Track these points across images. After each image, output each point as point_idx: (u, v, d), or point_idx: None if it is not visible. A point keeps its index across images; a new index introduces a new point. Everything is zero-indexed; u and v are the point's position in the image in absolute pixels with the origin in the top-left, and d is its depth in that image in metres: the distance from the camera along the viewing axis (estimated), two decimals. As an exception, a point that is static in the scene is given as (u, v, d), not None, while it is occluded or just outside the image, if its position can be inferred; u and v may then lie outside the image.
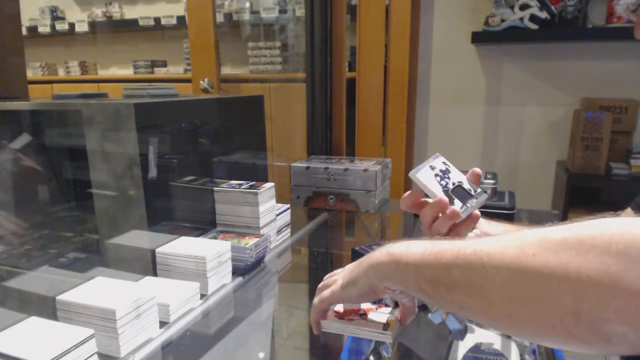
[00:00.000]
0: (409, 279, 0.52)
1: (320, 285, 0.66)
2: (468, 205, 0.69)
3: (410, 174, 0.71)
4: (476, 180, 0.72)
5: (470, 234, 0.73)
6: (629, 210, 0.74)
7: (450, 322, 0.75)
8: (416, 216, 0.75)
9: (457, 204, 0.68)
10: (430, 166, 0.72)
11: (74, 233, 1.09)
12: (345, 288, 0.60)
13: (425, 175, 0.71)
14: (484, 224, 0.76)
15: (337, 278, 0.64)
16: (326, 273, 0.68)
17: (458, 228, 0.70)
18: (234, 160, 1.20)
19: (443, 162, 0.73)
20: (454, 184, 0.71)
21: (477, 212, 0.70)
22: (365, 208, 1.46)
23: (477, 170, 0.72)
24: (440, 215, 0.70)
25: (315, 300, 0.64)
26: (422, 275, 0.50)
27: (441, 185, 0.70)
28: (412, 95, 2.43)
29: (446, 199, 0.68)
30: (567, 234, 0.40)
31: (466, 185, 0.72)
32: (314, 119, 1.79)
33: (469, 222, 0.70)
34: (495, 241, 0.44)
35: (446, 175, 0.72)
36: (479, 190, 0.72)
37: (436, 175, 0.71)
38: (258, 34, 3.27)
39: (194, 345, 0.75)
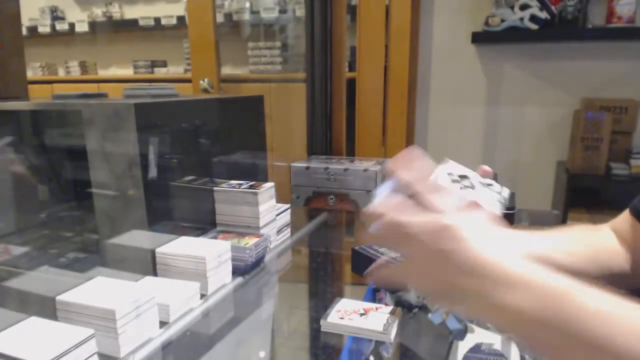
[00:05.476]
0: (531, 343, 0.44)
1: (377, 210, 0.52)
2: (499, 201, 0.63)
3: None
4: (489, 176, 0.66)
5: None
6: (627, 212, 0.73)
7: (450, 322, 0.75)
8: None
9: (488, 203, 0.61)
10: (448, 172, 0.64)
11: (74, 233, 1.09)
12: (425, 292, 0.51)
13: (446, 182, 0.62)
14: None
15: (408, 252, 0.49)
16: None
17: None
18: (234, 160, 1.20)
19: (457, 166, 0.65)
20: (473, 185, 0.64)
21: None
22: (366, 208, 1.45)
23: (485, 167, 0.66)
24: None
25: (381, 266, 0.54)
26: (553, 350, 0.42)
27: (464, 188, 0.63)
28: (412, 95, 2.43)
29: (478, 201, 0.59)
30: None
31: (485, 183, 0.65)
32: (314, 119, 1.79)
33: None
34: None
35: (464, 178, 0.64)
36: (498, 186, 0.66)
37: (455, 180, 0.63)
38: (258, 34, 3.27)
39: (194, 345, 0.75)
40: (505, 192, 0.64)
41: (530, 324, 0.41)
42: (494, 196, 0.62)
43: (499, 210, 0.61)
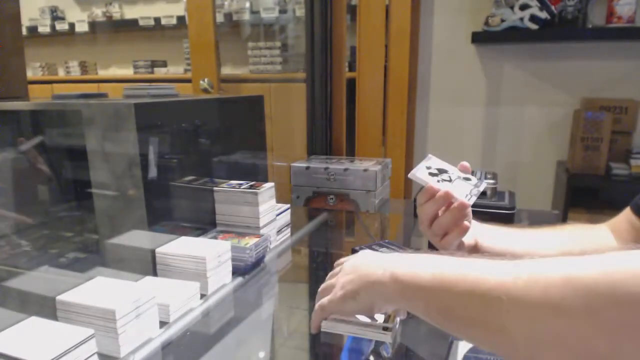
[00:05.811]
0: (416, 306, 0.50)
1: (320, 288, 0.66)
2: (472, 193, 0.72)
3: (410, 175, 0.74)
4: (467, 172, 0.76)
5: (468, 238, 0.73)
6: (627, 210, 0.74)
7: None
8: (416, 216, 0.76)
9: (462, 194, 0.71)
10: (426, 166, 0.76)
11: (74, 233, 1.09)
12: (345, 301, 0.58)
13: (424, 174, 0.74)
14: (477, 227, 0.76)
15: (336, 282, 0.62)
16: (326, 273, 0.68)
17: (449, 236, 0.71)
18: (234, 160, 1.20)
19: (437, 161, 0.77)
20: (450, 178, 0.74)
21: (467, 223, 0.71)
22: (365, 208, 1.46)
23: (465, 163, 0.76)
24: (439, 213, 0.71)
25: (316, 306, 0.63)
26: (431, 304, 0.48)
27: (441, 181, 0.73)
28: (412, 95, 2.43)
29: (450, 191, 0.70)
30: (599, 277, 0.36)
31: (463, 177, 0.75)
32: (314, 119, 1.79)
33: (459, 231, 0.71)
34: (513, 275, 0.41)
35: (443, 172, 0.75)
36: (476, 180, 0.75)
37: (433, 173, 0.74)
38: (258, 34, 3.27)
39: (194, 345, 0.75)
40: (482, 185, 0.74)
41: (418, 286, 0.49)
42: (468, 188, 0.73)
43: (471, 200, 0.71)
